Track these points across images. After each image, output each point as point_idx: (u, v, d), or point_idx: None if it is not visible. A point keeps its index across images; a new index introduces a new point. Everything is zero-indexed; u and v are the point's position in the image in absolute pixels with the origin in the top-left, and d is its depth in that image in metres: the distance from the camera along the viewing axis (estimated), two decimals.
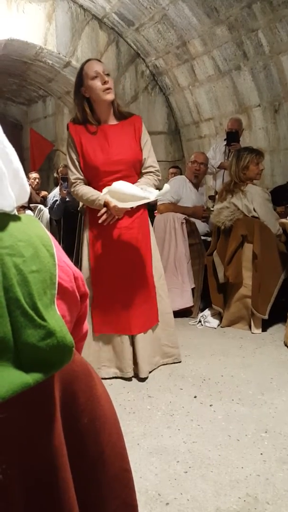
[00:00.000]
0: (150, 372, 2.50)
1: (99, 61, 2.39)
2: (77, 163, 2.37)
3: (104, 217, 2.28)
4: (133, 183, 2.32)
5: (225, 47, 4.64)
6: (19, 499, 0.66)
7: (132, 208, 2.33)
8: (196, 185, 3.97)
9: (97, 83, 2.28)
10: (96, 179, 2.36)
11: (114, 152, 2.33)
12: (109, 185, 2.23)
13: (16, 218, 0.71)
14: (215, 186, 4.80)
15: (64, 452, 0.71)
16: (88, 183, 2.39)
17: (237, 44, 4.48)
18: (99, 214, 2.29)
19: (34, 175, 6.21)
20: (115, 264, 2.39)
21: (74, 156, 2.37)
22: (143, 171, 2.45)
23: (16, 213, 0.73)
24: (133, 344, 2.46)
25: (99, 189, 2.31)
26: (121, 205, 2.22)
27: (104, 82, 2.27)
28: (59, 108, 7.66)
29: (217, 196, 3.74)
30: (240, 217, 3.20)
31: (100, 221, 2.29)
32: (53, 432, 0.69)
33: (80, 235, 3.12)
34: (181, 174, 5.12)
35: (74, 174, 2.38)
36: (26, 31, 5.23)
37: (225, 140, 4.47)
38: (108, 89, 2.29)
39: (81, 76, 2.33)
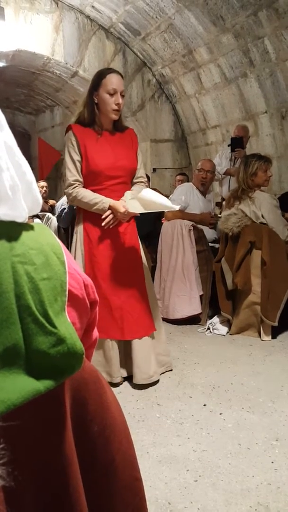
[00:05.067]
0: (148, 384, 2.43)
1: (122, 77, 2.38)
2: (78, 165, 2.35)
3: (108, 219, 2.31)
4: (127, 189, 2.40)
5: (231, 55, 4.67)
6: (30, 507, 0.66)
7: (138, 214, 2.36)
8: (203, 192, 3.98)
9: (110, 100, 2.30)
10: (96, 182, 2.36)
11: (117, 158, 2.37)
12: (112, 189, 2.32)
13: (27, 227, 0.71)
14: (221, 192, 4.80)
15: (74, 460, 0.70)
16: (84, 186, 2.39)
17: (243, 52, 4.50)
18: (103, 217, 2.31)
19: (42, 183, 6.26)
20: (109, 268, 2.41)
21: (76, 158, 2.34)
22: (134, 180, 2.50)
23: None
24: (128, 350, 2.46)
25: (99, 192, 2.34)
26: (132, 210, 2.25)
27: (117, 104, 2.31)
28: (66, 118, 7.72)
29: (224, 203, 3.74)
30: (248, 223, 3.20)
31: (103, 224, 2.32)
32: (64, 440, 0.69)
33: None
34: (188, 181, 5.13)
35: (74, 176, 2.35)
36: (33, 42, 5.30)
37: (229, 145, 4.49)
38: (117, 110, 2.33)
39: (99, 82, 2.32)
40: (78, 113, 2.43)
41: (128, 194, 2.29)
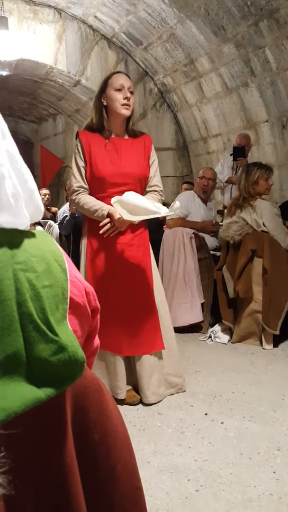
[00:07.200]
0: (156, 403, 2.33)
1: (128, 77, 2.34)
2: (83, 171, 2.30)
3: (106, 227, 2.20)
4: None
5: (232, 65, 4.70)
6: None
7: (135, 222, 2.25)
8: (205, 200, 3.98)
9: (118, 96, 2.25)
10: (100, 190, 2.28)
11: (123, 165, 2.28)
12: (114, 196, 2.16)
13: (29, 234, 0.72)
14: (223, 200, 4.82)
15: (75, 468, 0.70)
16: (90, 193, 2.31)
17: (245, 61, 4.53)
18: (101, 225, 2.20)
19: (44, 191, 6.29)
20: (112, 280, 2.28)
21: (81, 164, 2.30)
22: (147, 189, 2.39)
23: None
24: (134, 368, 2.35)
25: (103, 200, 2.25)
26: (126, 217, 2.12)
27: (126, 98, 2.24)
28: (68, 126, 7.78)
29: (225, 211, 3.75)
30: (249, 231, 3.20)
31: (101, 232, 2.20)
32: (65, 448, 0.68)
33: None
34: None
35: (78, 182, 2.30)
36: (37, 51, 5.35)
37: (231, 155, 4.51)
38: (127, 105, 2.26)
39: (106, 84, 2.29)
40: (89, 119, 2.38)
41: (114, 198, 2.13)
